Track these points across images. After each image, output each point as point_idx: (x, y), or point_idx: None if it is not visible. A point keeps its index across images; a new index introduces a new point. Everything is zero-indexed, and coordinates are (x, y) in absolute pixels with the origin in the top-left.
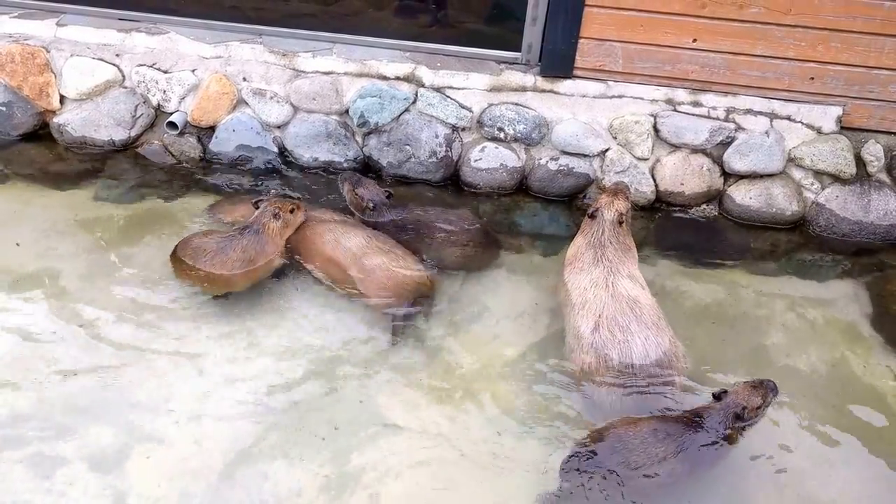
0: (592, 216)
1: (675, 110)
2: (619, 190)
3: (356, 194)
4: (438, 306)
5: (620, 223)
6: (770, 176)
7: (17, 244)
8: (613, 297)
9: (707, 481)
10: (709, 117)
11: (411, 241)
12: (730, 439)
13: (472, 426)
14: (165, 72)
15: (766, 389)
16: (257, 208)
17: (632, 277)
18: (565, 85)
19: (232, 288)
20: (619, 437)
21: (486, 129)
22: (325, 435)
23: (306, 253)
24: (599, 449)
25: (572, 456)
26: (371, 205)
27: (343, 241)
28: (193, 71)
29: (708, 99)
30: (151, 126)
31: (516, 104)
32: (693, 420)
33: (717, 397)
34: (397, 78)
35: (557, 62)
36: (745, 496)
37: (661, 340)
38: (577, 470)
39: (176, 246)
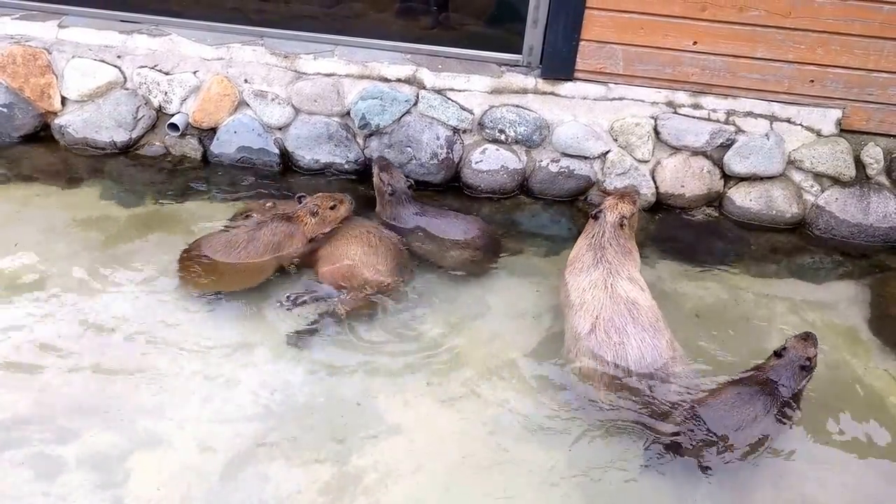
0: (595, 217)
1: (676, 113)
2: (626, 193)
3: (381, 178)
4: (439, 306)
5: (622, 226)
6: (770, 178)
7: (15, 245)
8: (611, 299)
9: (710, 485)
10: (709, 120)
11: (422, 239)
12: (800, 392)
13: (474, 426)
14: (167, 73)
15: (813, 339)
16: (300, 203)
17: (631, 279)
18: (566, 87)
19: (260, 277)
20: (709, 406)
21: (486, 130)
22: (326, 436)
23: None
24: (695, 422)
25: (687, 423)
26: (391, 190)
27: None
28: (195, 73)
29: (708, 101)
30: (153, 128)
31: (517, 106)
32: (767, 379)
33: (779, 354)
34: (398, 80)
35: (558, 64)
36: (744, 498)
37: (657, 343)
38: (678, 444)
39: (196, 248)
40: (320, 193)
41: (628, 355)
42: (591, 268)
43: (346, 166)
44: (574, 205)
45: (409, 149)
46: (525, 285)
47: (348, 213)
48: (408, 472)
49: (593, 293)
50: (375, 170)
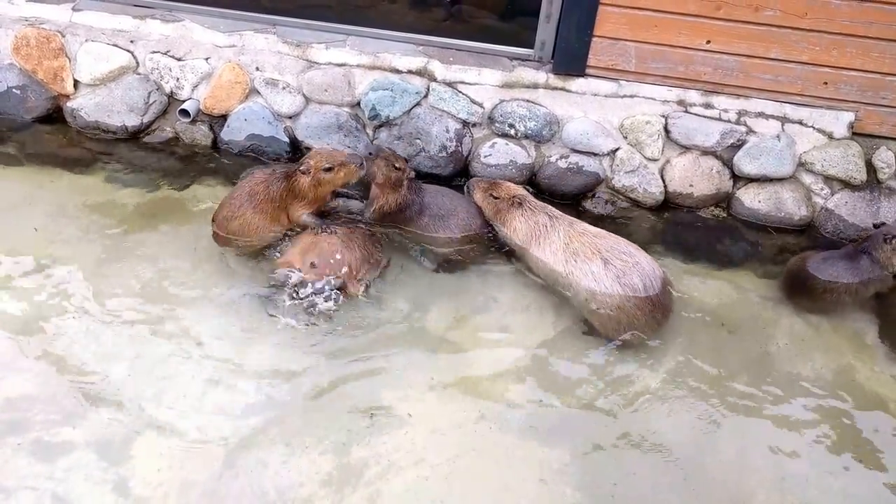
0: (496, 197)
1: (687, 112)
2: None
3: (396, 168)
4: (444, 300)
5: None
6: (780, 180)
7: (35, 229)
8: (593, 235)
9: (709, 485)
10: (720, 119)
11: (429, 224)
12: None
13: (476, 420)
14: (179, 59)
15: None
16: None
17: (572, 222)
18: (577, 83)
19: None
20: None
21: (496, 125)
22: (327, 426)
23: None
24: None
25: None
26: (413, 174)
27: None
28: (207, 59)
29: (720, 101)
30: (164, 113)
31: (528, 101)
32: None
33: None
34: (409, 72)
35: (570, 60)
36: (746, 501)
37: (646, 254)
38: None
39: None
40: (324, 150)
41: (644, 269)
42: (551, 228)
43: None
44: (581, 202)
45: (418, 141)
46: (529, 280)
47: (350, 178)
48: (409, 464)
49: (580, 241)
50: (382, 164)
